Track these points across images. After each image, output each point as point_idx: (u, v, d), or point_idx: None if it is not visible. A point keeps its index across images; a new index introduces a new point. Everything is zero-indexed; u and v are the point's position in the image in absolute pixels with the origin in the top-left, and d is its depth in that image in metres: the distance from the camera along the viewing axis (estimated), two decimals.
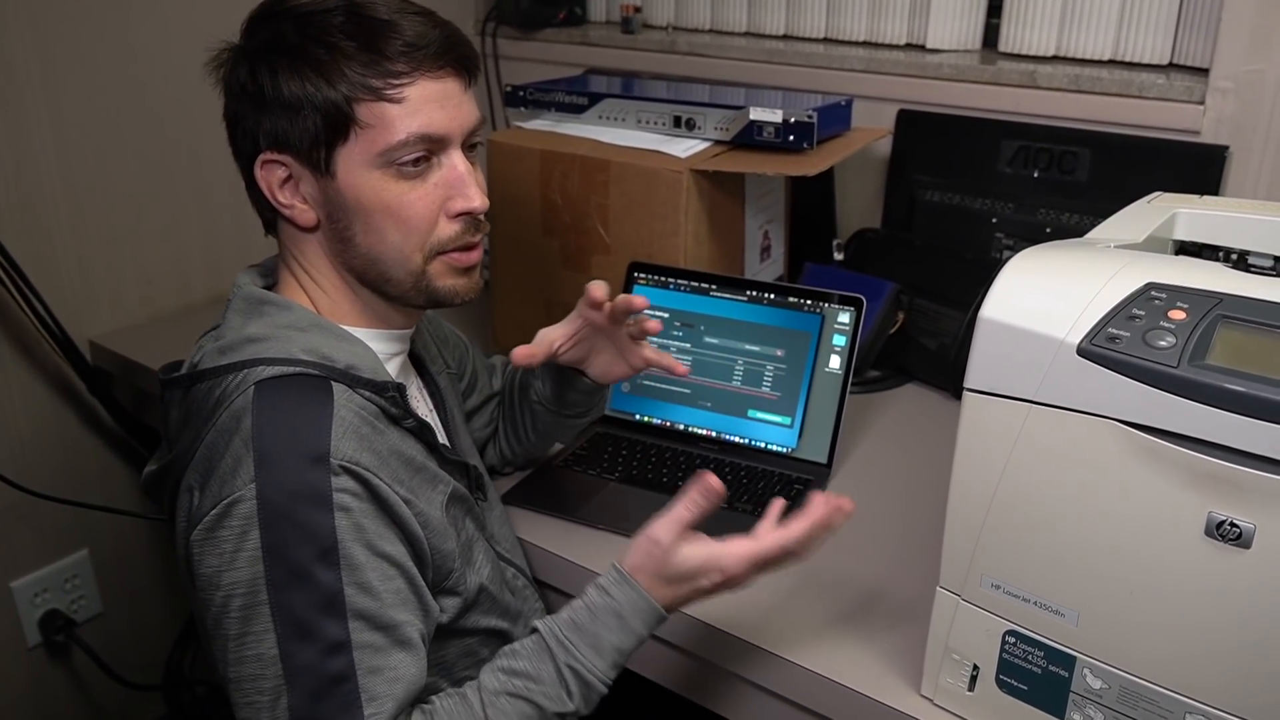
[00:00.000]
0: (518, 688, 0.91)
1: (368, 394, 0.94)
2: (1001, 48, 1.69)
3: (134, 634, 1.94)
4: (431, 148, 0.95)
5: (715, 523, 1.20)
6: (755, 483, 1.28)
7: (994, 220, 1.59)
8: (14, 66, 1.57)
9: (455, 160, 0.97)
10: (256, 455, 0.86)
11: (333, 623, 0.86)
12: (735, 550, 0.93)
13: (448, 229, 0.97)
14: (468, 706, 0.91)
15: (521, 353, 1.12)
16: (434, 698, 0.92)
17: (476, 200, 0.97)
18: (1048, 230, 1.54)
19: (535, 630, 0.94)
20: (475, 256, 1.01)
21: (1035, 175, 1.57)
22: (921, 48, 1.76)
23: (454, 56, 0.95)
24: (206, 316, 1.03)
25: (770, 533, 0.94)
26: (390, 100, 0.92)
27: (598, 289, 1.10)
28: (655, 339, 1.38)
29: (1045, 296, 0.79)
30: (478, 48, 2.16)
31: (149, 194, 1.77)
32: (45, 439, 1.74)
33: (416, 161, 0.94)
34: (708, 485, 0.93)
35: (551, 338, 1.15)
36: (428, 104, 0.93)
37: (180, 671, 1.98)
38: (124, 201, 1.74)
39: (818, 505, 0.94)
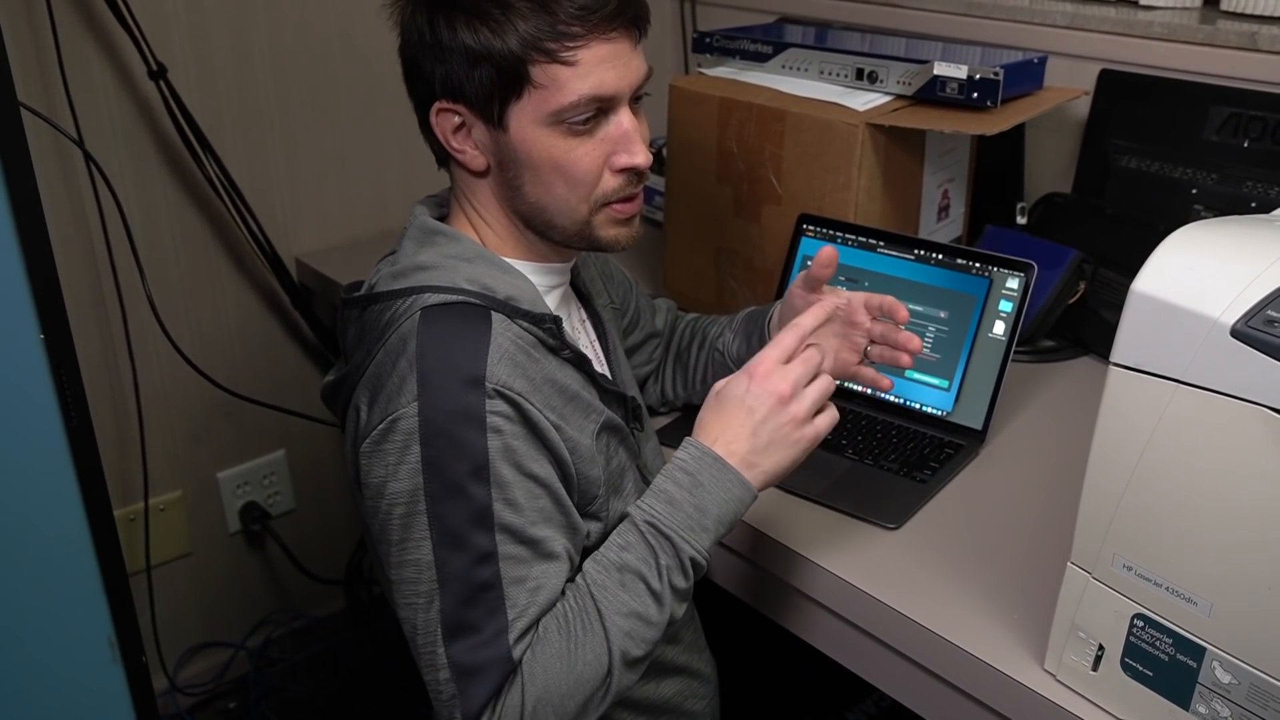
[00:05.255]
0: (610, 559, 0.95)
1: (525, 324, 0.99)
2: (1224, 6, 1.58)
3: (321, 532, 2.11)
4: (601, 106, 0.97)
5: (863, 478, 1.21)
6: (905, 443, 1.27)
7: (1194, 191, 1.50)
8: None
9: (622, 117, 0.99)
10: (419, 376, 0.93)
11: (482, 535, 0.92)
12: (759, 356, 0.99)
13: (612, 182, 1.00)
14: (578, 593, 0.95)
15: (828, 254, 1.12)
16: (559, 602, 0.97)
17: (640, 157, 0.99)
18: (1253, 205, 1.44)
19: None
20: (636, 206, 1.05)
21: (1245, 145, 1.46)
22: (1134, 4, 1.66)
23: (626, 17, 0.96)
24: None
25: (784, 332, 0.99)
26: (563, 62, 0.94)
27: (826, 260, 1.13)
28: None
29: (1204, 273, 0.75)
30: None
31: (354, 125, 1.88)
32: (253, 347, 1.90)
33: (586, 120, 0.97)
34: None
35: (830, 291, 1.17)
36: (599, 65, 0.95)
37: (359, 571, 2.14)
38: (332, 131, 1.86)
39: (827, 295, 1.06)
